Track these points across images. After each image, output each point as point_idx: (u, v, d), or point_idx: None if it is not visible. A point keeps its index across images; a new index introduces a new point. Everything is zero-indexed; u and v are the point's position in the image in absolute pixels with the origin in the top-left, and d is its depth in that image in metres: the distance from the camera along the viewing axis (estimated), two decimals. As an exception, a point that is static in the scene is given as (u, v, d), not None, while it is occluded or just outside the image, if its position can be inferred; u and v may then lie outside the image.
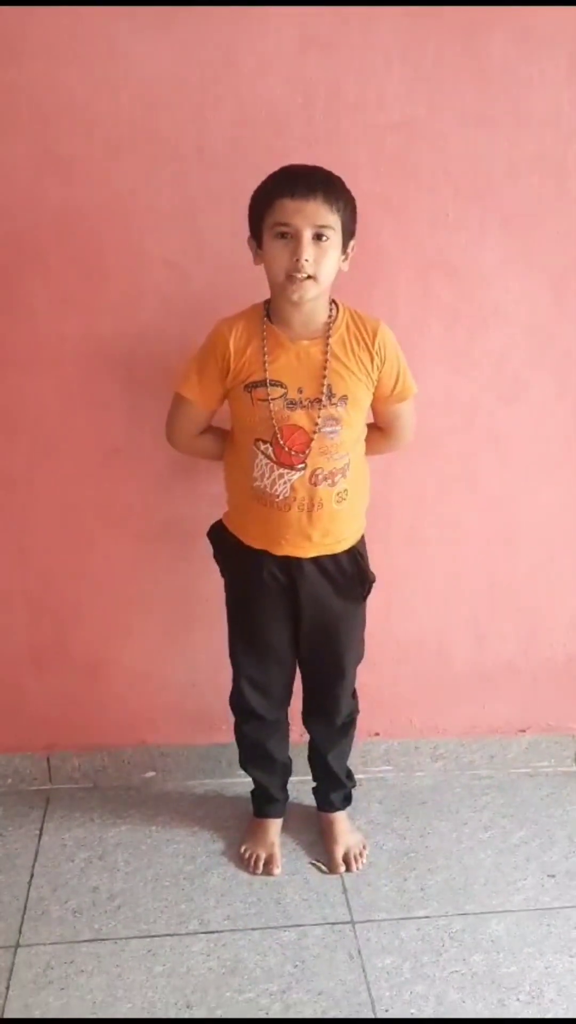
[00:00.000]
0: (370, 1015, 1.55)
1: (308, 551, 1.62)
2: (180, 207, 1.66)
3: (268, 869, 1.85)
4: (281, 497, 1.57)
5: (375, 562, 1.74)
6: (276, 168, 1.46)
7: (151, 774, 2.12)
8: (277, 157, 1.49)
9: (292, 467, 1.55)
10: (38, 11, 1.52)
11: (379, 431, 1.69)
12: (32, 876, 1.83)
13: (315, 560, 1.64)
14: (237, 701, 1.83)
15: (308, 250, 1.41)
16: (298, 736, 1.94)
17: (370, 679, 1.91)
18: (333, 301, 1.55)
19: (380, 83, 1.61)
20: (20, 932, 1.70)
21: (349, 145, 1.64)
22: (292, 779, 1.96)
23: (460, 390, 1.84)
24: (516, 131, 1.66)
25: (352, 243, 1.51)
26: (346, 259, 1.51)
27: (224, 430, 1.67)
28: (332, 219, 1.42)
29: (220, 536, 1.72)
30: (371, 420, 1.67)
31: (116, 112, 1.59)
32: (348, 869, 1.86)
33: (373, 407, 1.63)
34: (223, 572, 1.76)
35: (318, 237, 1.42)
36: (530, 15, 1.59)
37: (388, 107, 1.62)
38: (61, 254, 1.67)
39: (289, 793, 1.96)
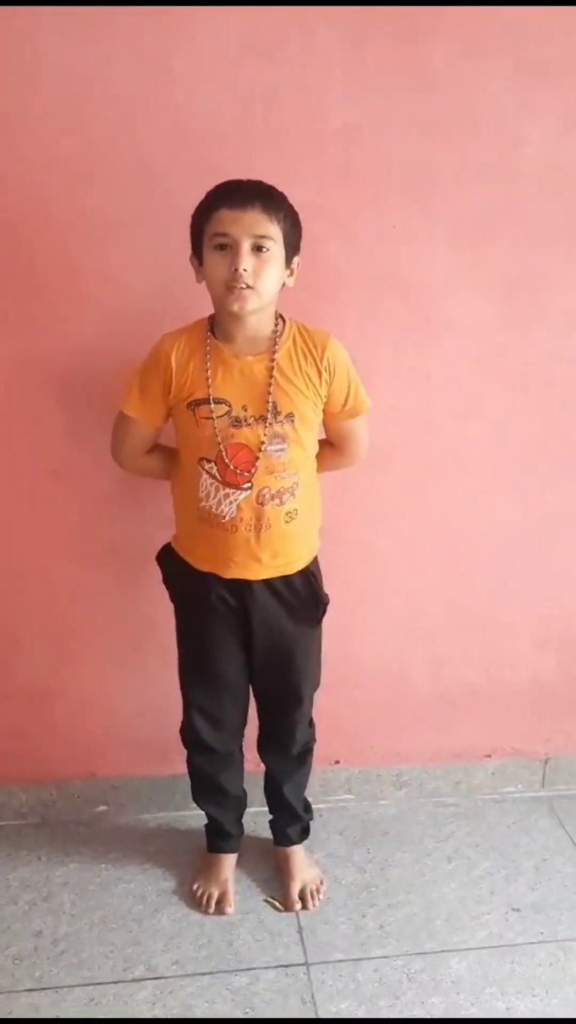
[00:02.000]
0: (323, 1064, 1.48)
1: (258, 573, 1.57)
2: (116, 220, 1.60)
3: (220, 908, 1.77)
4: (227, 518, 1.51)
5: (329, 583, 1.68)
6: (213, 178, 1.42)
7: (102, 808, 2.03)
8: (216, 168, 1.44)
9: (238, 487, 1.50)
10: (-39, 18, 1.46)
11: (331, 447, 1.64)
12: (-28, 921, 1.74)
13: (266, 583, 1.59)
14: (188, 733, 1.76)
15: (247, 260, 1.37)
16: (254, 766, 1.86)
17: (328, 704, 1.85)
18: (280, 316, 1.51)
19: (321, 91, 1.56)
20: (-44, 982, 1.61)
21: (290, 155, 1.59)
22: (249, 810, 1.89)
23: (412, 405, 1.79)
24: (462, 139, 1.62)
25: (296, 259, 1.46)
26: (291, 274, 1.47)
27: (171, 448, 1.61)
28: (272, 229, 1.38)
29: (168, 560, 1.67)
30: (323, 436, 1.62)
31: (45, 121, 1.53)
32: (304, 907, 1.78)
33: (325, 423, 1.58)
34: (172, 598, 1.70)
35: (257, 248, 1.38)
36: (472, 21, 1.55)
37: (329, 115, 1.58)
38: (-8, 269, 1.61)
39: (244, 827, 1.89)
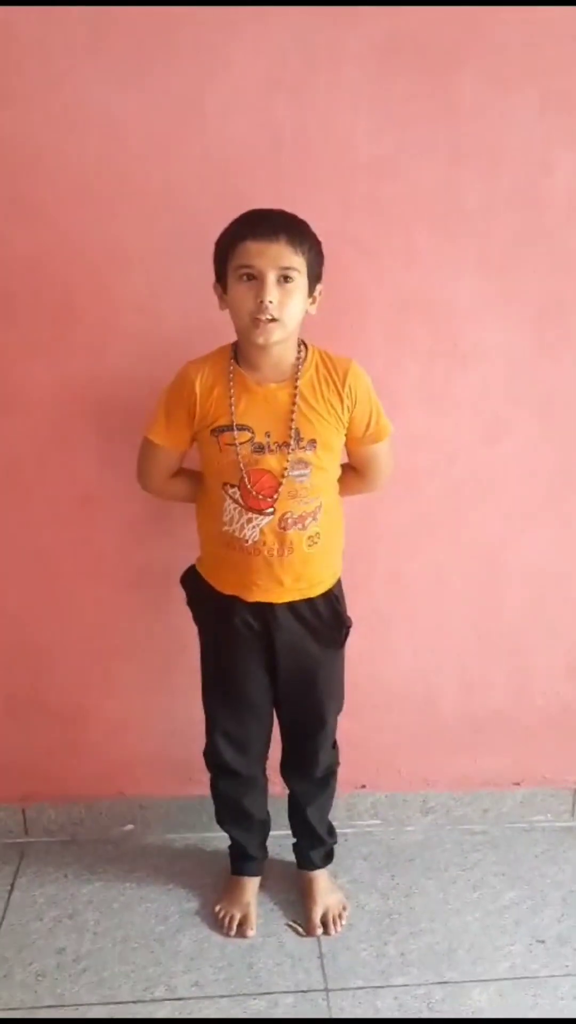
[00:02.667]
0: None
1: (281, 596, 1.58)
2: (148, 251, 1.64)
3: (242, 931, 1.78)
4: (250, 542, 1.53)
5: (358, 607, 1.70)
6: (243, 210, 1.44)
7: (129, 827, 2.06)
8: (245, 199, 1.47)
9: (260, 511, 1.51)
10: (4, 60, 1.52)
11: (354, 472, 1.65)
12: (-1, 935, 1.77)
13: (289, 606, 1.59)
14: (212, 757, 1.77)
15: (272, 292, 1.38)
16: (279, 789, 1.87)
17: (355, 728, 1.85)
18: (302, 342, 1.52)
19: (348, 123, 1.59)
20: (-20, 996, 1.64)
21: (318, 185, 1.62)
22: (273, 833, 1.89)
23: (440, 431, 1.80)
24: (489, 168, 1.63)
25: (319, 287, 1.48)
26: (313, 303, 1.48)
27: (196, 472, 1.63)
28: (297, 261, 1.40)
29: (193, 582, 1.69)
30: (346, 460, 1.63)
31: (83, 157, 1.58)
32: (326, 932, 1.78)
33: (347, 448, 1.59)
34: (196, 619, 1.72)
35: (283, 279, 1.40)
36: (498, 52, 1.56)
37: (357, 147, 1.60)
38: (30, 300, 1.66)
39: (268, 850, 1.89)
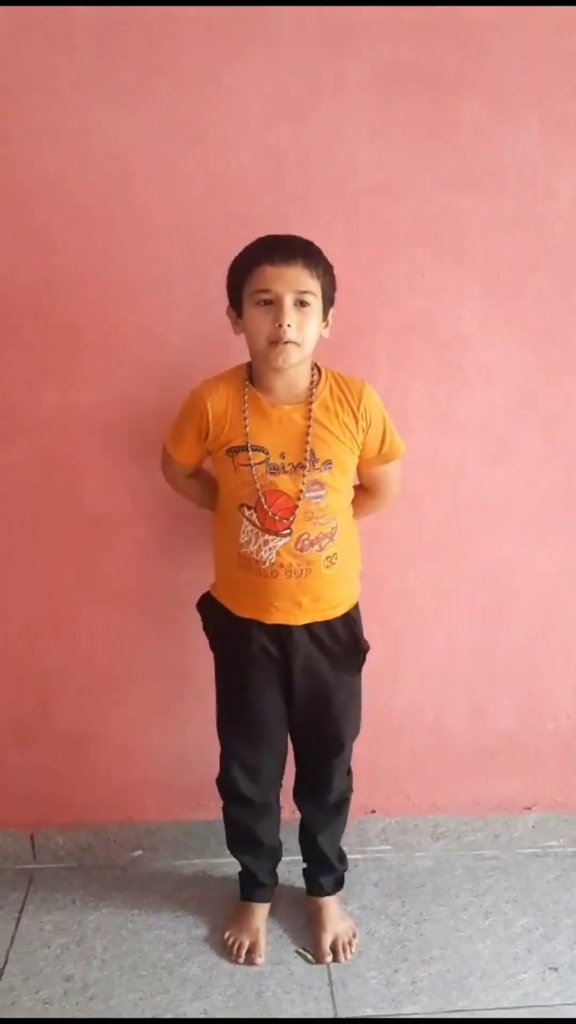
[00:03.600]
0: None
1: (299, 618, 1.58)
2: (153, 276, 1.66)
3: (251, 958, 1.76)
4: (267, 564, 1.53)
5: (366, 630, 1.69)
6: (247, 235, 1.46)
7: (138, 852, 2.04)
8: (248, 224, 1.49)
9: (277, 533, 1.51)
10: (12, 86, 1.54)
11: (364, 491, 1.66)
12: (6, 962, 1.75)
13: (308, 628, 1.59)
14: (225, 785, 1.76)
15: (290, 315, 1.40)
16: (289, 814, 1.86)
17: (365, 753, 1.84)
18: (315, 365, 1.54)
19: (351, 150, 1.60)
20: (-14, 1024, 1.62)
21: (322, 211, 1.63)
22: (284, 859, 1.88)
23: (446, 452, 1.80)
24: (492, 192, 1.64)
25: (332, 310, 1.50)
26: (326, 326, 1.50)
27: (213, 478, 1.64)
28: (312, 284, 1.42)
29: (209, 607, 1.69)
30: (356, 481, 1.63)
31: (89, 184, 1.60)
32: (336, 959, 1.76)
33: (359, 468, 1.60)
34: (212, 646, 1.72)
35: (300, 303, 1.41)
36: (499, 78, 1.58)
37: (360, 172, 1.62)
38: (37, 324, 1.68)
39: (279, 876, 1.87)
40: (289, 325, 1.40)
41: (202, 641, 1.72)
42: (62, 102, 1.56)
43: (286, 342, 1.41)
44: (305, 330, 1.42)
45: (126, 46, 1.53)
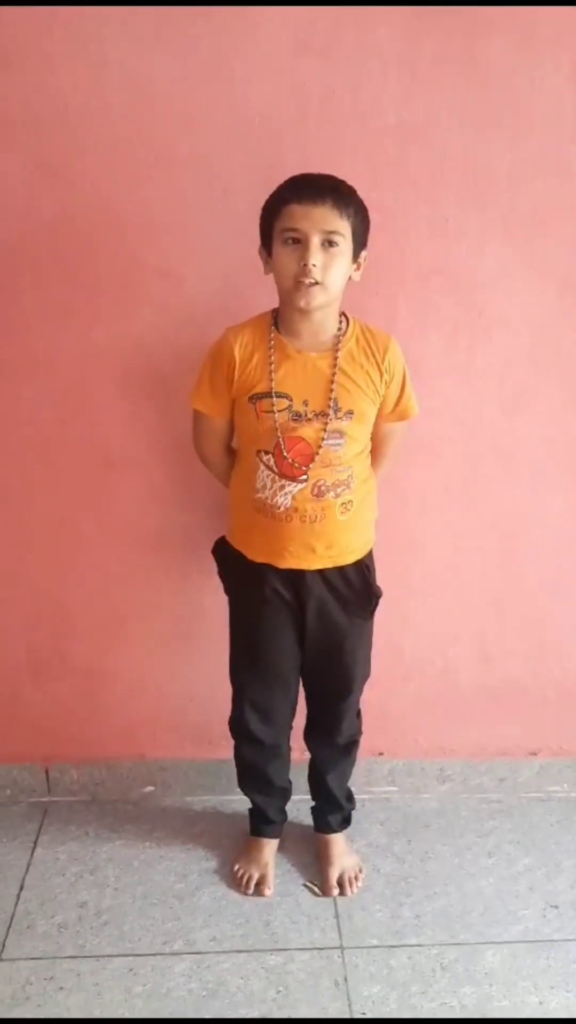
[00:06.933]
0: (354, 1046, 1.50)
1: (313, 563, 1.59)
2: (173, 216, 1.64)
3: (260, 890, 1.81)
4: (282, 508, 1.54)
5: (378, 576, 1.70)
6: (268, 174, 1.44)
7: (150, 788, 2.09)
8: (271, 164, 1.48)
9: (294, 479, 1.52)
10: (30, 17, 1.51)
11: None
12: (21, 889, 1.81)
13: (320, 573, 1.61)
14: (237, 725, 1.80)
15: (316, 255, 1.39)
16: (299, 754, 1.89)
17: (374, 696, 1.86)
18: (343, 314, 1.53)
19: (376, 87, 1.57)
20: (3, 945, 1.68)
21: (345, 151, 1.60)
22: (292, 797, 1.91)
23: (463, 400, 1.79)
24: (517, 134, 1.61)
25: (364, 253, 1.48)
26: (358, 269, 1.49)
27: None
28: (342, 225, 1.40)
29: (224, 552, 1.70)
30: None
31: (108, 120, 1.58)
32: (342, 892, 1.81)
33: (371, 421, 1.59)
34: (227, 590, 1.74)
35: (327, 243, 1.40)
36: (530, 16, 1.54)
37: (384, 111, 1.59)
38: (55, 264, 1.67)
39: (288, 813, 1.92)
40: (315, 265, 1.38)
41: (215, 582, 1.74)
42: (79, 33, 1.53)
43: (311, 282, 1.40)
44: (331, 271, 1.41)
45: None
